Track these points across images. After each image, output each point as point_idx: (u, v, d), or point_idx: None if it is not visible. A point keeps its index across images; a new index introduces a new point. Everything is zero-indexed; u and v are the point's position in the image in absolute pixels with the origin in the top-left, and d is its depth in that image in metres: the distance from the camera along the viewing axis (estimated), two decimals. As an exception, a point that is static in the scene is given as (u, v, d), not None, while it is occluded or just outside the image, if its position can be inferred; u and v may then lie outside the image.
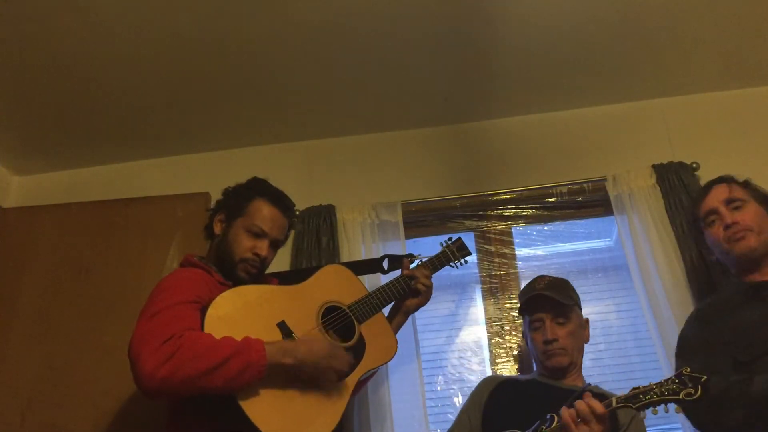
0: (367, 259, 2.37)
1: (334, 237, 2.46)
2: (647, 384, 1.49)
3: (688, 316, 1.87)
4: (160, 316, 1.50)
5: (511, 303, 2.45)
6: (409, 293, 2.01)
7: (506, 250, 2.58)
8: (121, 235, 2.54)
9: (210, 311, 1.56)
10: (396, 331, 1.99)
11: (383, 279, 2.16)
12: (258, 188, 1.86)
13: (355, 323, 1.83)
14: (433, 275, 2.07)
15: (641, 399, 1.47)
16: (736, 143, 2.55)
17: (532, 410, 1.67)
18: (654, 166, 2.46)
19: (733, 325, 1.68)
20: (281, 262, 2.35)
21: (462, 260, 2.15)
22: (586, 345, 2.04)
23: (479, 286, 2.54)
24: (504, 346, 2.41)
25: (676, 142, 2.60)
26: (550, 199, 2.56)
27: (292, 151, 2.80)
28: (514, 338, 2.41)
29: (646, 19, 2.28)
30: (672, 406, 1.45)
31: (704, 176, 2.37)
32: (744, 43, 2.44)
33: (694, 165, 2.46)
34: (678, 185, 2.38)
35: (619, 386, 1.56)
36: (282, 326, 1.65)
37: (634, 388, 1.50)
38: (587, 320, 2.06)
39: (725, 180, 1.90)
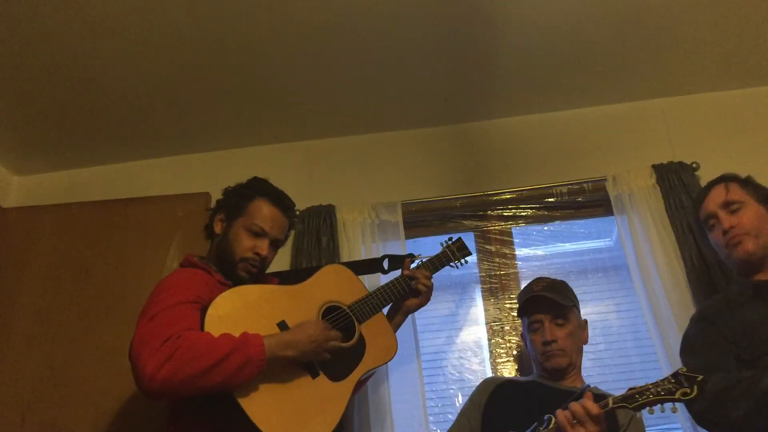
0: (367, 259, 2.37)
1: (334, 237, 2.46)
2: (644, 384, 1.50)
3: (692, 315, 1.87)
4: (160, 316, 1.50)
5: (511, 303, 2.45)
6: (409, 293, 2.01)
7: (506, 250, 2.58)
8: (121, 235, 2.54)
9: (210, 311, 1.56)
10: (395, 330, 1.99)
11: (383, 279, 2.16)
12: (258, 188, 1.86)
13: (356, 323, 1.83)
14: (433, 275, 2.07)
15: (637, 399, 1.47)
16: (736, 143, 2.55)
17: (532, 411, 1.67)
18: (654, 166, 2.46)
19: (737, 324, 1.69)
20: (281, 262, 2.36)
21: (462, 260, 2.15)
22: (586, 345, 2.04)
23: (479, 286, 2.54)
24: (504, 346, 2.41)
25: (676, 142, 2.60)
26: (550, 199, 2.56)
27: (292, 151, 2.80)
28: (514, 338, 2.41)
29: (646, 19, 2.28)
30: (668, 405, 1.46)
31: (704, 176, 2.37)
32: (744, 43, 2.44)
33: (694, 165, 2.46)
34: (678, 185, 2.38)
35: (619, 386, 1.56)
36: (282, 326, 1.65)
37: (631, 389, 1.51)
38: (586, 321, 2.06)
39: (724, 180, 1.88)
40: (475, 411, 1.95)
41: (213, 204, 1.93)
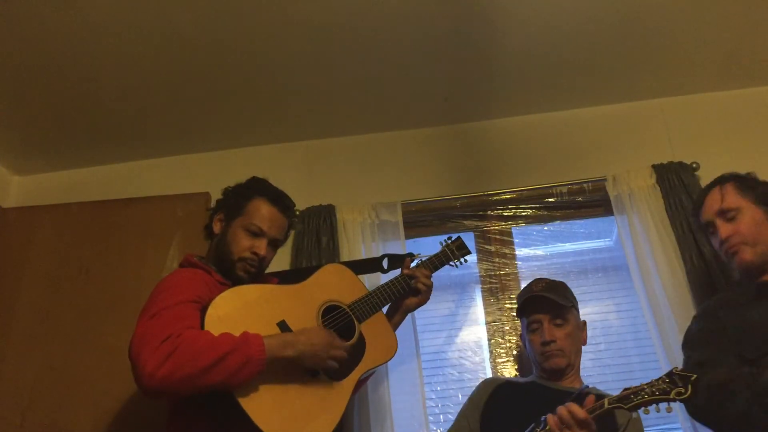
0: (367, 258, 2.37)
1: (334, 237, 2.46)
2: (639, 384, 1.50)
3: (696, 311, 1.87)
4: (160, 316, 1.50)
5: (511, 303, 2.45)
6: (408, 292, 2.01)
7: (506, 250, 2.58)
8: (121, 235, 2.54)
9: (210, 311, 1.56)
10: (394, 329, 1.99)
11: (383, 278, 2.15)
12: (257, 188, 1.86)
13: (356, 322, 1.83)
14: (433, 275, 2.07)
15: (633, 399, 1.48)
16: (736, 143, 2.55)
17: (530, 412, 1.67)
18: (654, 166, 2.46)
19: (740, 323, 1.69)
20: (281, 261, 2.36)
21: (462, 259, 2.15)
22: (586, 346, 2.04)
23: (479, 286, 2.54)
24: (504, 346, 2.41)
25: (676, 142, 2.60)
26: (550, 199, 2.56)
27: (292, 151, 2.80)
28: (514, 338, 2.41)
29: (646, 19, 2.28)
30: (663, 404, 1.46)
31: (704, 176, 2.37)
32: (744, 43, 2.44)
33: (694, 165, 2.46)
34: (678, 185, 2.38)
35: (619, 386, 1.56)
36: (282, 326, 1.65)
37: (626, 389, 1.51)
38: (585, 322, 2.06)
39: (720, 183, 1.84)
40: (474, 412, 1.95)
41: (213, 204, 1.93)
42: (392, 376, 2.23)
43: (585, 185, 2.54)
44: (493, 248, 2.58)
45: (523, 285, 2.20)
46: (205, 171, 2.76)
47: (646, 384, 1.49)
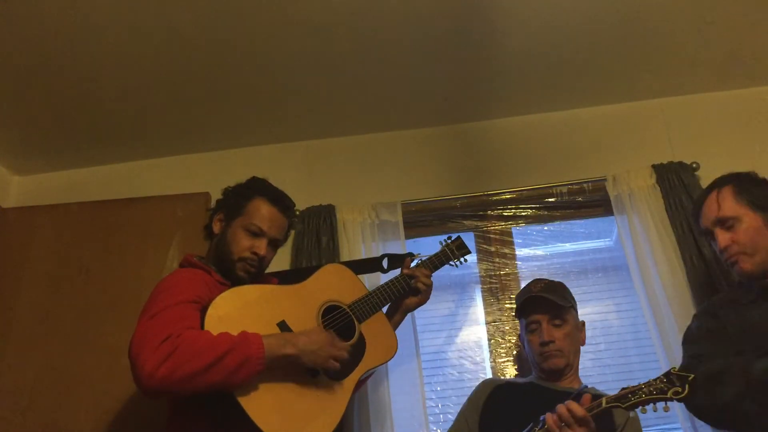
0: (367, 258, 2.37)
1: (334, 237, 2.46)
2: (636, 384, 1.51)
3: (696, 311, 1.87)
4: (160, 316, 1.50)
5: (511, 303, 2.45)
6: (408, 292, 2.01)
7: (506, 250, 2.58)
8: (121, 235, 2.54)
9: (210, 311, 1.56)
10: (394, 329, 1.99)
11: (383, 278, 2.15)
12: (257, 188, 1.85)
13: (356, 322, 1.83)
14: (433, 275, 2.07)
15: (630, 399, 1.49)
16: (736, 143, 2.55)
17: (529, 413, 1.67)
18: (654, 166, 2.46)
19: (740, 322, 1.69)
20: (281, 261, 2.36)
21: (461, 259, 2.15)
22: (586, 346, 2.04)
23: (479, 286, 2.54)
24: (504, 346, 2.41)
25: (676, 142, 2.60)
26: (550, 199, 2.56)
27: (292, 151, 2.80)
28: (514, 338, 2.41)
29: (646, 19, 2.28)
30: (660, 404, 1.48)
31: (704, 176, 2.38)
32: (744, 43, 2.44)
33: (694, 165, 2.45)
34: (678, 185, 2.38)
35: (618, 386, 1.57)
36: (282, 326, 1.65)
37: (624, 388, 1.53)
38: (583, 323, 2.06)
39: (719, 186, 1.79)
40: (473, 412, 1.95)
41: (213, 204, 1.93)
42: (392, 376, 2.23)
43: (585, 185, 2.54)
44: (493, 248, 2.58)
45: (523, 285, 2.20)
46: (205, 171, 2.76)
47: (644, 384, 1.51)
